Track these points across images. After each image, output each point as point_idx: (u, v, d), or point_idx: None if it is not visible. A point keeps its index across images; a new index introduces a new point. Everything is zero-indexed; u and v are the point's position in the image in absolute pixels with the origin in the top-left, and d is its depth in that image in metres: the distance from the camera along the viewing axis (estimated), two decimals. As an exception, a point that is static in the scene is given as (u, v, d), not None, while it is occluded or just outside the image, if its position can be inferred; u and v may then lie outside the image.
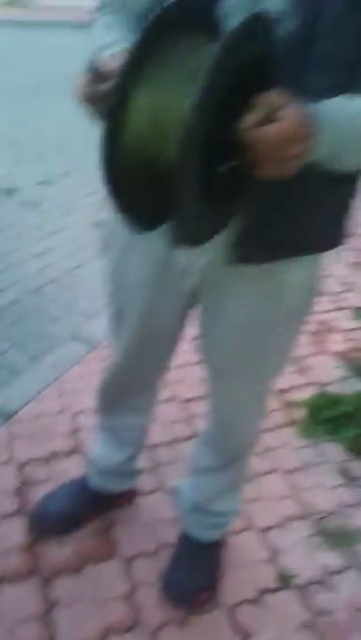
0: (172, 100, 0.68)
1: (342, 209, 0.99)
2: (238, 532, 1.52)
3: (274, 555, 1.48)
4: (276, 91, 0.70)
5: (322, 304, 2.70)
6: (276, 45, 0.74)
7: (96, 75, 0.74)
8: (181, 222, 0.72)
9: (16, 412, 1.86)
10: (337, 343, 2.42)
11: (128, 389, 1.32)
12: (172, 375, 2.01)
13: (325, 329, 2.52)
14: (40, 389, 1.97)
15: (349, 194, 0.97)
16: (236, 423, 1.22)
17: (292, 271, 0.99)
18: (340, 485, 1.71)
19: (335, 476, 1.74)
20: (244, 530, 1.53)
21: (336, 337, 2.47)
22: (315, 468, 1.76)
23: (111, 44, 0.86)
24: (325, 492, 1.68)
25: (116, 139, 0.69)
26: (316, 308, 2.61)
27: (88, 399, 1.82)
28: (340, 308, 2.71)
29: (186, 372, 2.01)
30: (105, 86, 0.73)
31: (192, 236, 0.77)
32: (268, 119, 0.68)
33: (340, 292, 2.83)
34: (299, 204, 0.89)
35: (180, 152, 0.64)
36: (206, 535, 1.39)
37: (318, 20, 0.78)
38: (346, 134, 0.77)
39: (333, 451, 1.83)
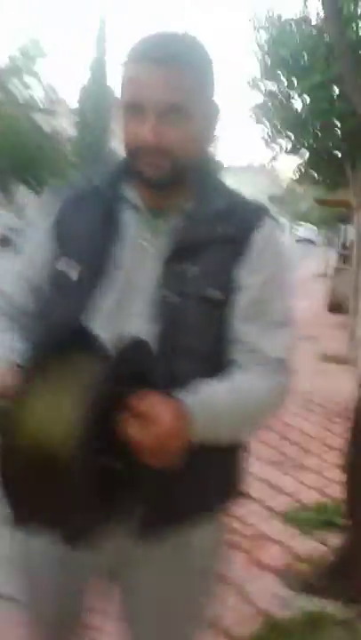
0: (57, 417, 0.75)
1: (233, 463, 1.05)
2: None
3: None
4: (151, 392, 0.80)
5: (251, 514, 2.65)
6: (148, 359, 0.85)
7: None
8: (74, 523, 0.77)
9: None
10: (275, 557, 2.34)
11: None
12: None
13: (260, 542, 2.45)
14: None
15: (236, 449, 1.04)
16: None
17: (200, 533, 1.01)
18: None
19: None
20: None
21: (272, 550, 2.40)
22: None
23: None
24: None
25: (11, 448, 0.76)
26: (248, 519, 2.58)
27: None
28: (270, 516, 2.67)
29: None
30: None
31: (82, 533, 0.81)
32: (146, 420, 0.77)
33: (266, 497, 2.82)
34: (187, 475, 0.91)
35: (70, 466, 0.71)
36: None
37: (178, 325, 0.93)
38: (216, 417, 0.88)
39: None
